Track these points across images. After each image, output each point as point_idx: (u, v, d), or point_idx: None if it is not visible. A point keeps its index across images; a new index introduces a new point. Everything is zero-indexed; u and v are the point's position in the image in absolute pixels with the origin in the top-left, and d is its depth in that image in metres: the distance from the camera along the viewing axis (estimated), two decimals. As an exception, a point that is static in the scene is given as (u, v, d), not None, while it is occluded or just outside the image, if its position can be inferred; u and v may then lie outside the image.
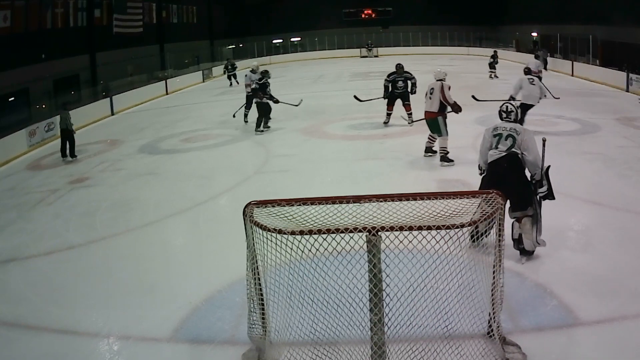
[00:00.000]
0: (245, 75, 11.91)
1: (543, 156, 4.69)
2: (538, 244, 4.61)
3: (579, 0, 22.37)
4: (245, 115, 12.17)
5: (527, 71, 10.62)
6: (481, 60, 28.18)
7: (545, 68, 20.67)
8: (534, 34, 28.44)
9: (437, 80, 7.88)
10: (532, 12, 27.66)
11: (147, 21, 24.45)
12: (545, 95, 10.12)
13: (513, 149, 4.66)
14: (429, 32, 33.98)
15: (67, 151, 10.15)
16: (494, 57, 19.20)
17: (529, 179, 4.72)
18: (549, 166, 4.65)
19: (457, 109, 7.89)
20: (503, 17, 31.71)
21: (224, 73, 22.19)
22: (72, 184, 8.38)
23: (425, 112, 8.00)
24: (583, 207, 6.10)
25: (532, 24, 27.98)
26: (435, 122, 7.82)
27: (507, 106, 5.02)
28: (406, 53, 32.66)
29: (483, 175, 4.98)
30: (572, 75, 19.08)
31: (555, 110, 11.83)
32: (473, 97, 10.85)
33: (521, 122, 10.34)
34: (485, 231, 3.44)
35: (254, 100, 11.01)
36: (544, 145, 4.68)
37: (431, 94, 7.86)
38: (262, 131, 10.93)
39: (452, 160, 7.76)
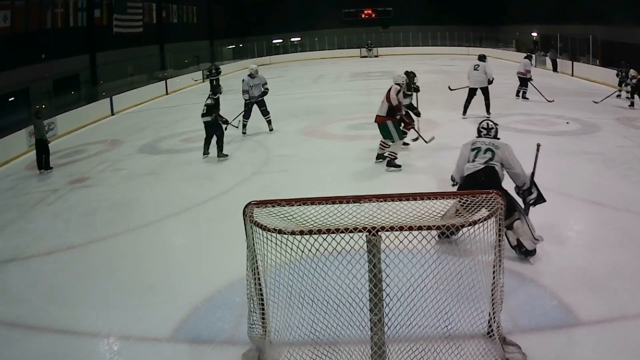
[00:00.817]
0: (243, 80, 10.81)
1: (536, 161, 4.70)
2: (537, 240, 4.60)
3: (579, 0, 22.37)
4: (244, 126, 10.86)
5: (482, 58, 11.55)
6: (481, 60, 28.22)
7: (555, 69, 20.52)
8: (534, 34, 28.45)
9: (394, 84, 7.66)
10: (532, 12, 27.66)
11: (147, 21, 24.45)
12: (490, 80, 11.12)
13: (491, 162, 4.62)
14: (429, 32, 34.00)
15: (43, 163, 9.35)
16: (529, 58, 18.63)
17: (514, 190, 4.69)
18: (532, 172, 4.66)
19: (398, 111, 7.49)
20: (503, 17, 31.73)
21: (207, 77, 19.81)
22: (72, 184, 8.38)
23: (376, 115, 7.72)
24: (583, 207, 6.10)
25: (532, 24, 27.99)
26: (385, 126, 7.55)
27: (487, 123, 5.03)
28: (406, 53, 32.73)
29: (456, 186, 4.95)
30: (572, 75, 19.09)
31: (555, 110, 11.85)
32: (449, 87, 11.67)
33: (466, 104, 11.13)
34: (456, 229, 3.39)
35: (204, 120, 9.05)
36: (538, 150, 4.69)
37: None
38: (226, 156, 9.10)
39: (399, 166, 7.60)
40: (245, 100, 10.75)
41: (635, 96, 12.15)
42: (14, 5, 15.58)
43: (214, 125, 9.03)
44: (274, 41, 35.21)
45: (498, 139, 4.94)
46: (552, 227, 5.40)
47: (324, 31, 35.34)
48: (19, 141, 11.40)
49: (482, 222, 3.07)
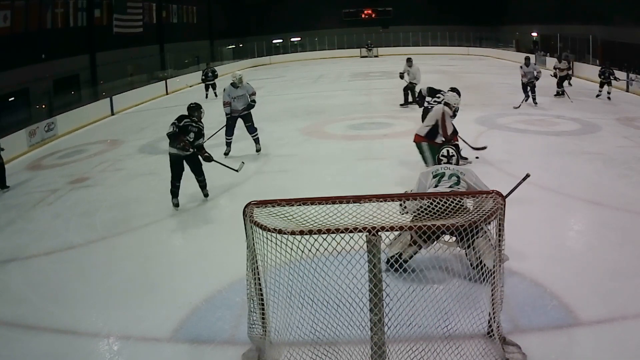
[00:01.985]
0: (224, 90, 9.15)
1: (515, 187, 4.69)
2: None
3: (579, 0, 22.37)
4: (228, 144, 9.15)
5: (408, 60, 13.18)
6: (481, 60, 28.27)
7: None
8: (534, 34, 28.46)
9: (443, 104, 6.84)
10: (532, 12, 27.68)
11: (147, 21, 24.45)
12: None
13: (456, 187, 4.45)
14: (429, 32, 34.02)
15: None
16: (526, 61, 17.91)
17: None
18: (507, 195, 4.62)
19: (446, 135, 6.74)
20: (503, 17, 31.75)
21: (202, 82, 18.03)
22: (72, 184, 8.38)
23: (415, 134, 7.02)
24: (583, 207, 6.10)
25: (532, 24, 28.01)
26: (420, 147, 6.87)
27: (447, 150, 4.94)
28: (406, 53, 32.60)
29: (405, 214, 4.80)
30: (573, 75, 19.05)
31: (555, 110, 11.86)
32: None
33: (421, 100, 11.40)
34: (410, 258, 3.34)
35: (169, 152, 6.73)
36: (524, 179, 4.67)
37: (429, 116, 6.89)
38: (177, 206, 6.69)
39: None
40: (227, 114, 9.01)
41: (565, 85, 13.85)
42: (14, 5, 15.58)
43: (183, 159, 6.72)
44: (274, 41, 35.21)
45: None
46: (552, 227, 5.41)
47: (324, 31, 35.35)
48: (19, 141, 11.40)
49: (482, 222, 3.07)
